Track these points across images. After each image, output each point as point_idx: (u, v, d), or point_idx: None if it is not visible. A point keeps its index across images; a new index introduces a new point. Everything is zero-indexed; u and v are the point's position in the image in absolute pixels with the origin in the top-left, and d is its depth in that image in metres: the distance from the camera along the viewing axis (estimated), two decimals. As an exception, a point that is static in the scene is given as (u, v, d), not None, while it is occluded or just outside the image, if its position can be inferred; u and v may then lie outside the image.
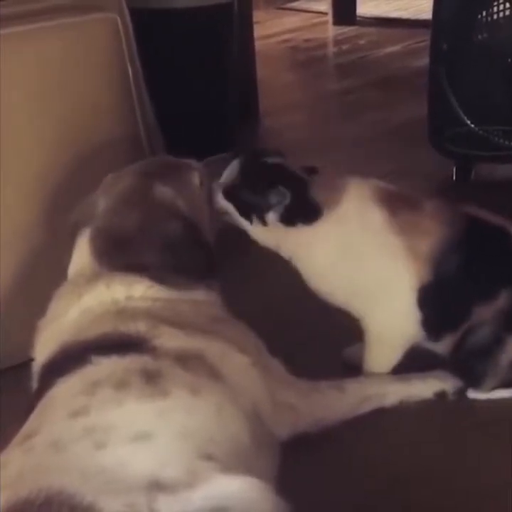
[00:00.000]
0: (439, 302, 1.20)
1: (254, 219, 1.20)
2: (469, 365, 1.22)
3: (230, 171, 1.22)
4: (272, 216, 1.19)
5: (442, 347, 1.23)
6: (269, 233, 1.22)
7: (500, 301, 1.17)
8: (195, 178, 1.24)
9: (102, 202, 1.19)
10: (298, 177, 1.20)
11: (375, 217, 1.19)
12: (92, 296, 1.12)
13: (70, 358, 1.01)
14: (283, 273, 1.27)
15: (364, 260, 1.20)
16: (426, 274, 1.18)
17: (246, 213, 1.21)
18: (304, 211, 1.19)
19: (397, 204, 1.21)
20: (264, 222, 1.20)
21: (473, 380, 1.23)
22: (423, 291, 1.19)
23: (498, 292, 1.17)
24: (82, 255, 1.18)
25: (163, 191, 1.18)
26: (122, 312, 1.09)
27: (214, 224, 1.26)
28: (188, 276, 1.16)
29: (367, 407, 1.22)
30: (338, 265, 1.21)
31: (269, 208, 1.18)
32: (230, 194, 1.21)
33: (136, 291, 1.12)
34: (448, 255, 1.18)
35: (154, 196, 1.18)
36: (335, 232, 1.20)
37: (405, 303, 1.20)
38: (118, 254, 1.15)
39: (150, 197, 1.18)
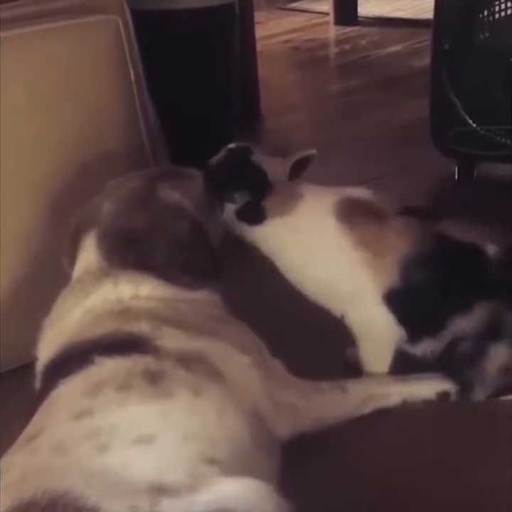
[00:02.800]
0: (410, 309, 1.22)
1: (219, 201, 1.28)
2: (455, 376, 1.23)
3: (219, 155, 1.30)
4: (230, 207, 1.27)
5: (422, 351, 1.24)
6: (248, 229, 1.28)
7: (477, 314, 1.18)
8: (200, 184, 1.26)
9: (106, 204, 1.19)
10: (264, 183, 1.26)
11: (330, 229, 1.23)
12: (98, 295, 1.12)
13: (73, 358, 1.01)
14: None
15: (326, 268, 1.24)
16: (391, 282, 1.20)
17: (214, 196, 1.28)
18: (251, 214, 1.26)
19: (359, 217, 1.23)
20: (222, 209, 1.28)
21: (463, 389, 1.23)
22: (390, 297, 1.21)
23: (472, 305, 1.18)
24: (89, 256, 1.18)
25: (170, 193, 1.20)
26: (125, 312, 1.09)
27: (218, 229, 1.28)
28: (194, 275, 1.16)
29: (369, 408, 1.22)
30: (305, 269, 1.26)
31: (230, 201, 1.27)
32: (207, 174, 1.28)
33: (142, 290, 1.13)
34: (414, 270, 1.20)
35: (160, 197, 1.19)
36: (292, 239, 1.26)
37: (376, 304, 1.23)
38: (127, 253, 1.15)
39: (156, 198, 1.19)
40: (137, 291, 1.12)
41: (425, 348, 1.24)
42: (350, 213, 1.23)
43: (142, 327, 1.05)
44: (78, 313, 1.11)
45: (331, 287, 1.25)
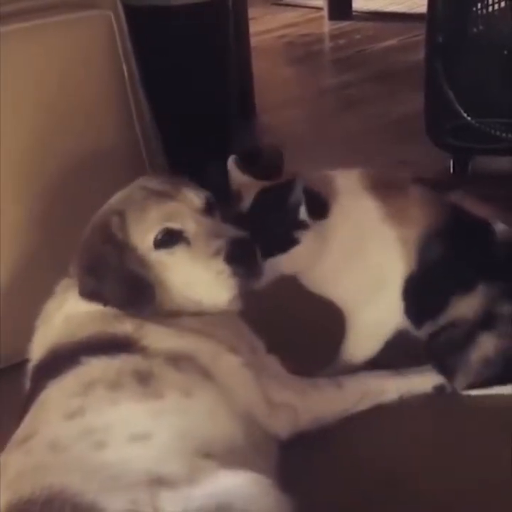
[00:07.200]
0: (422, 291, 1.21)
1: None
2: (441, 358, 1.22)
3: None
4: (303, 211, 1.17)
5: (423, 334, 1.24)
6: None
7: (477, 295, 1.17)
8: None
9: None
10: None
11: (369, 205, 1.20)
12: (73, 300, 1.12)
13: (60, 359, 1.02)
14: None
15: (361, 252, 1.21)
16: (413, 263, 1.19)
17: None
18: (317, 208, 1.18)
19: (385, 190, 1.21)
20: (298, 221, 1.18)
21: (445, 374, 1.22)
22: (409, 281, 1.20)
23: (475, 284, 1.17)
24: None
25: (116, 225, 1.11)
26: (106, 313, 1.08)
27: None
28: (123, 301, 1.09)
29: (367, 404, 1.21)
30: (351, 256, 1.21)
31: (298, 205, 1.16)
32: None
33: None
34: (432, 244, 1.18)
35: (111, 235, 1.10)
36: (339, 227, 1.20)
37: (393, 296, 1.22)
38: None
39: (106, 237, 1.11)
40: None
41: (426, 331, 1.23)
42: (379, 187, 1.21)
43: (126, 327, 1.05)
44: (59, 317, 1.11)
45: (355, 276, 1.22)
